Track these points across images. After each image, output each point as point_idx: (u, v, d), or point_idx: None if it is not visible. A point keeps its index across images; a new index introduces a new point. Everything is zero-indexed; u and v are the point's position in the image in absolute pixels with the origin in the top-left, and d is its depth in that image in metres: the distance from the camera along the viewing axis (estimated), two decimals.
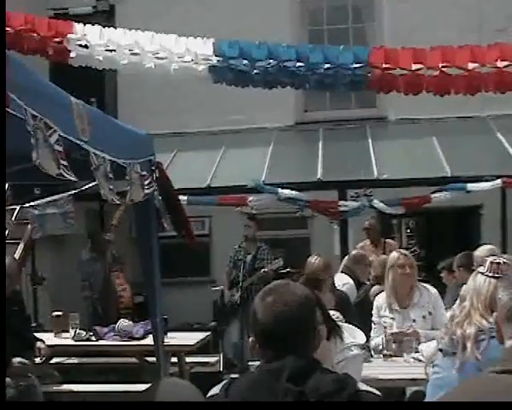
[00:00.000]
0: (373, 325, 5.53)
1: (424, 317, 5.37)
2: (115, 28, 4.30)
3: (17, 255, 8.52)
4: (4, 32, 2.88)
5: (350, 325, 3.64)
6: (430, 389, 3.28)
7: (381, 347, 5.27)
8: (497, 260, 3.26)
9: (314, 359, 2.23)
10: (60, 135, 3.26)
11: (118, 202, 4.04)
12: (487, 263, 3.27)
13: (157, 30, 4.14)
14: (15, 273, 6.90)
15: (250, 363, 5.65)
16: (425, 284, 5.62)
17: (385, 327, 5.37)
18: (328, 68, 3.59)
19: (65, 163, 3.26)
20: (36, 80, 3.33)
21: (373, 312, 5.57)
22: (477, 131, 10.17)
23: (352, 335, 3.58)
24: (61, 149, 3.26)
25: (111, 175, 3.88)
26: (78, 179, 3.44)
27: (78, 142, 3.60)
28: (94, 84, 9.72)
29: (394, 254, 5.65)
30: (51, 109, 3.32)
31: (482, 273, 3.25)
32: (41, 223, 8.79)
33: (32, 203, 8.27)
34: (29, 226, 8.52)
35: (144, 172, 4.80)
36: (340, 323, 3.57)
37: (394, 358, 5.19)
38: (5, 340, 3.63)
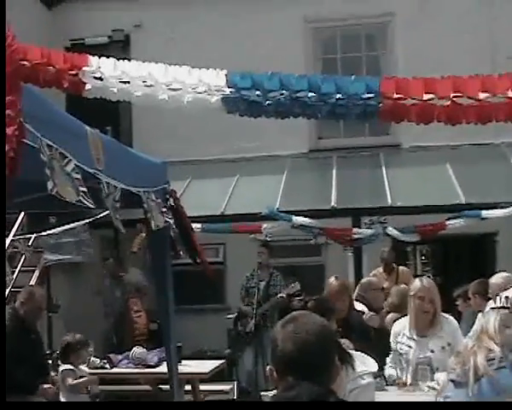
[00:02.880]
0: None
1: (443, 348, 5.27)
2: (130, 59, 4.36)
3: (32, 283, 8.59)
4: (4, 33, 2.90)
5: (361, 353, 3.61)
6: None
7: (395, 378, 5.23)
8: None
9: (330, 389, 2.23)
10: (76, 164, 3.31)
11: (122, 231, 4.05)
12: (503, 297, 3.24)
13: (172, 58, 4.19)
14: (44, 304, 6.98)
15: (264, 392, 5.63)
16: (446, 315, 5.50)
17: (400, 354, 5.32)
18: (339, 98, 3.62)
19: (84, 189, 3.31)
20: (52, 111, 3.39)
21: (391, 339, 5.51)
22: (491, 157, 10.15)
23: (364, 363, 3.56)
24: (79, 176, 3.31)
25: (117, 205, 3.91)
26: (94, 207, 3.48)
27: (92, 171, 3.65)
28: (109, 113, 9.82)
29: (417, 284, 5.37)
30: (67, 139, 3.37)
31: (501, 307, 3.21)
32: (56, 251, 8.85)
33: (48, 232, 8.34)
34: (43, 254, 8.60)
35: (159, 200, 4.85)
36: (351, 351, 3.55)
37: (409, 386, 5.16)
38: (5, 341, 3.66)
